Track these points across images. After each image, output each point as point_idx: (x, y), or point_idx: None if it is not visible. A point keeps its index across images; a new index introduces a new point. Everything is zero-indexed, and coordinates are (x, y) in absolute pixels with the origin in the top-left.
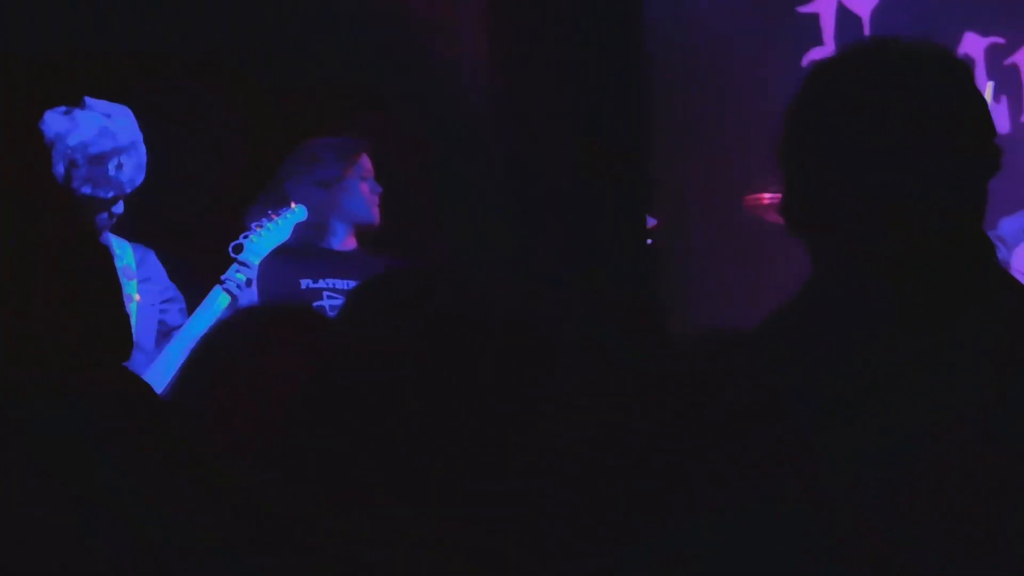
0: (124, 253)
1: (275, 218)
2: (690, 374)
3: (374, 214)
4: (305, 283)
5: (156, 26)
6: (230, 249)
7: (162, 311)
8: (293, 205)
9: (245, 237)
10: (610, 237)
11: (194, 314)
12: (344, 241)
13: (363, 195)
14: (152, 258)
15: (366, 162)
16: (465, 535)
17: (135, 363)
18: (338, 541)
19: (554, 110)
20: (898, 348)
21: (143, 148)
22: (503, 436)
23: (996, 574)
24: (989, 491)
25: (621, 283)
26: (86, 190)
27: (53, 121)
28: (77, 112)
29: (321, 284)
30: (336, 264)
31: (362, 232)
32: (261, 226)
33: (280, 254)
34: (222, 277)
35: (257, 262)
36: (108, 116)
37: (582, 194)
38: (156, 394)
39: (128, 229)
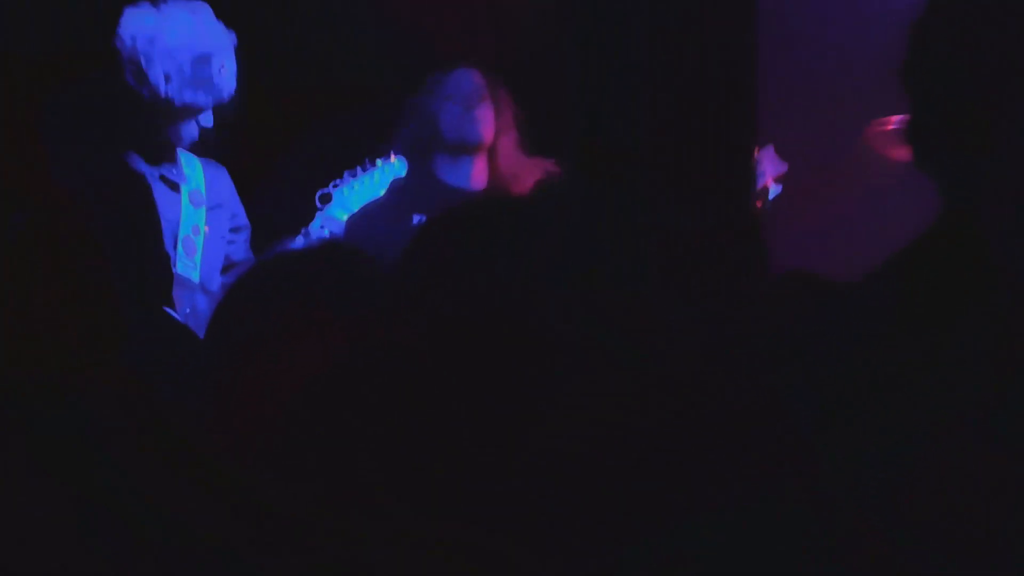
0: (194, 173)
1: (371, 168)
2: (690, 374)
3: (469, 131)
4: (418, 219)
5: None
6: (316, 198)
7: (229, 241)
8: (393, 157)
9: (335, 186)
10: (611, 236)
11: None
12: (456, 169)
13: (454, 115)
14: (224, 178)
15: (462, 79)
16: (465, 535)
17: (199, 309)
18: (338, 541)
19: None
20: (898, 348)
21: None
22: (503, 436)
23: (996, 574)
24: (989, 491)
25: (621, 283)
26: (187, 96)
27: (138, 20)
28: (165, 7)
29: None
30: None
31: (472, 153)
32: (355, 175)
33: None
34: (306, 229)
35: (344, 219)
36: (194, 13)
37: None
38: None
39: (205, 147)
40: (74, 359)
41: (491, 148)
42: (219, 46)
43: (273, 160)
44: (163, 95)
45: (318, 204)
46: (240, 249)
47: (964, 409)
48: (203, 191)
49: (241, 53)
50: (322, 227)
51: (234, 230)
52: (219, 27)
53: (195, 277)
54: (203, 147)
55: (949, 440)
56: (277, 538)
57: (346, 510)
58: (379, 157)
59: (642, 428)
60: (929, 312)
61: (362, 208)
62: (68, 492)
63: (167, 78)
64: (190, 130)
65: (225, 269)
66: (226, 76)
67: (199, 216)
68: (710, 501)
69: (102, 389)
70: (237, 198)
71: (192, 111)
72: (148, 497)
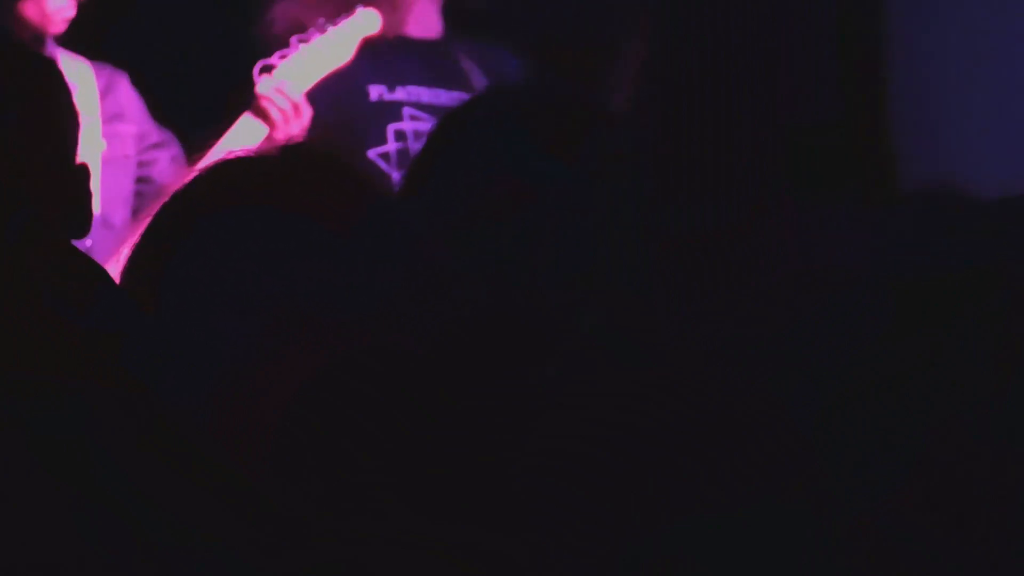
0: (82, 78)
1: (329, 28)
2: (690, 374)
3: None
4: (376, 91)
5: None
6: (255, 73)
7: (144, 164)
8: (358, 10)
9: (281, 57)
10: (611, 236)
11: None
12: (426, 23)
13: None
14: (125, 86)
15: None
16: (465, 535)
17: (101, 245)
18: (338, 541)
19: None
20: (898, 347)
21: None
22: (503, 436)
23: (996, 574)
24: (989, 491)
25: (622, 283)
26: None
27: None
28: None
29: (400, 94)
30: (419, 61)
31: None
32: (307, 41)
33: None
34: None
35: (298, 95)
36: None
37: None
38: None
39: (85, 43)
40: (74, 357)
41: None
42: None
43: (192, 50)
44: None
45: (260, 84)
46: (166, 169)
47: (964, 409)
48: (95, 100)
49: None
50: (264, 105)
51: (149, 148)
52: None
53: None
54: (88, 46)
55: (949, 440)
56: (277, 538)
57: (346, 510)
58: (341, 14)
59: (642, 428)
60: (929, 312)
61: (321, 83)
62: (68, 492)
63: None
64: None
65: (143, 200)
66: None
67: (92, 130)
68: (710, 501)
69: (102, 389)
70: (145, 110)
71: None
72: (148, 497)
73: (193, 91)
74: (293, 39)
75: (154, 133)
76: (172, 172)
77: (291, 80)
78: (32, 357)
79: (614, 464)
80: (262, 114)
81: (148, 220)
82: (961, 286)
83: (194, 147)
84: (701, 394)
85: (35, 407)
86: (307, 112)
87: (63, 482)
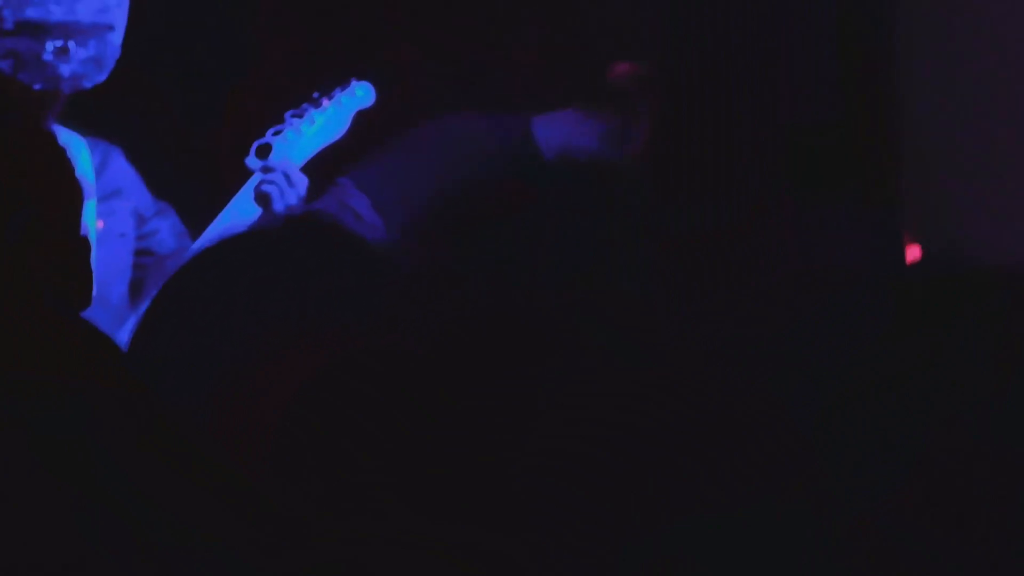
0: (76, 155)
1: (324, 104)
2: (690, 374)
3: None
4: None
5: None
6: (252, 153)
7: (143, 236)
8: (354, 85)
9: (275, 133)
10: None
11: (202, 237)
12: None
13: None
14: (120, 161)
15: None
16: (465, 535)
17: (98, 322)
18: (338, 541)
19: None
20: (898, 347)
21: (119, 35)
22: (502, 436)
23: (996, 574)
24: (989, 491)
25: (622, 282)
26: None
27: None
28: None
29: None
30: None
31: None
32: (301, 116)
33: None
34: (254, 177)
35: (293, 170)
36: None
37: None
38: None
39: (81, 119)
40: (74, 359)
41: None
42: (77, 21)
43: (186, 121)
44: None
45: (254, 161)
46: (166, 240)
47: (964, 409)
48: (91, 177)
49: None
50: (263, 189)
51: (146, 220)
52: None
53: None
54: (82, 121)
55: (949, 440)
56: (277, 538)
57: (346, 510)
58: (335, 86)
59: (642, 428)
60: (929, 312)
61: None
62: (68, 492)
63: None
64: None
65: (144, 273)
66: (73, 63)
67: (88, 208)
68: (710, 501)
69: (102, 389)
70: (143, 184)
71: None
72: (148, 497)
73: (190, 164)
74: (287, 114)
75: (152, 206)
76: (173, 242)
77: (286, 157)
78: (32, 357)
79: (614, 464)
80: (260, 195)
81: (152, 298)
82: (961, 286)
83: (193, 219)
84: (701, 394)
85: (35, 407)
86: (303, 184)
87: (63, 482)
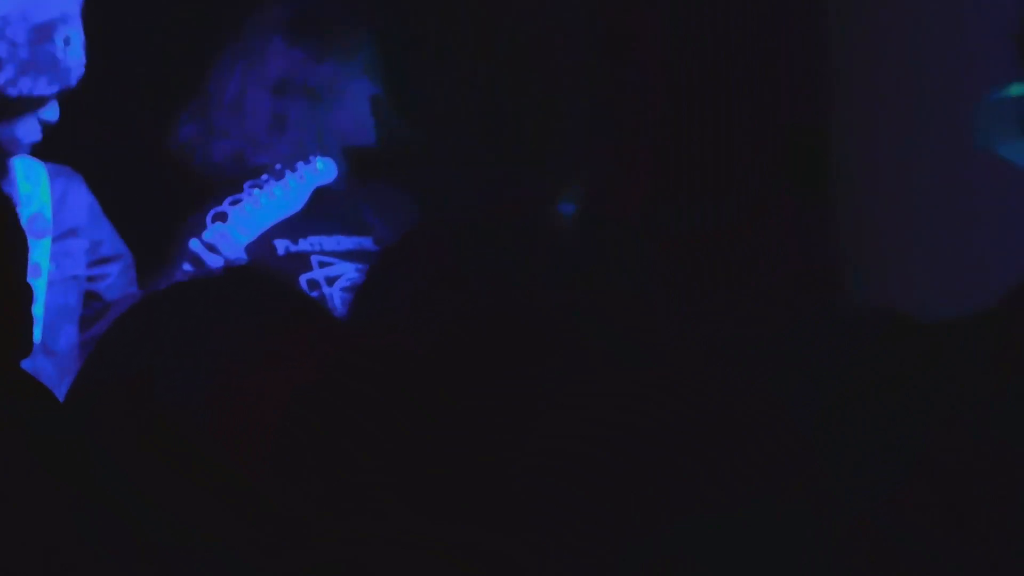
0: (36, 190)
1: (285, 176)
2: (690, 374)
3: (373, 131)
4: (283, 246)
5: None
6: (208, 219)
7: (93, 279)
8: (315, 159)
9: (233, 203)
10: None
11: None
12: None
13: (363, 103)
14: (81, 191)
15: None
16: (465, 535)
17: (42, 371)
18: (338, 541)
19: None
20: (898, 347)
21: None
22: (502, 436)
23: (996, 574)
24: (989, 491)
25: (621, 283)
26: (23, 86)
27: None
28: None
29: (304, 246)
30: (322, 212)
31: (352, 157)
32: (260, 187)
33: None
34: (189, 249)
35: (245, 243)
36: None
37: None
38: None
39: (51, 150)
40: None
41: None
42: (63, 11)
43: (148, 164)
44: None
45: (196, 243)
46: (116, 285)
47: (964, 409)
48: (47, 215)
49: (91, 18)
50: (210, 246)
51: (100, 261)
52: None
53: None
54: (48, 150)
55: (949, 440)
56: (277, 538)
57: (346, 510)
58: (295, 160)
59: (641, 428)
60: (928, 312)
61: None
62: (68, 492)
63: None
64: (29, 129)
65: (87, 320)
66: (73, 52)
67: (41, 251)
68: (710, 501)
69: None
70: (103, 218)
71: (31, 103)
72: (148, 497)
73: (150, 202)
74: (246, 184)
75: (106, 244)
76: (120, 288)
77: (240, 229)
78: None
79: (614, 464)
80: (198, 261)
81: (95, 345)
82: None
83: (146, 264)
84: (701, 394)
85: (35, 407)
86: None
87: (63, 482)
